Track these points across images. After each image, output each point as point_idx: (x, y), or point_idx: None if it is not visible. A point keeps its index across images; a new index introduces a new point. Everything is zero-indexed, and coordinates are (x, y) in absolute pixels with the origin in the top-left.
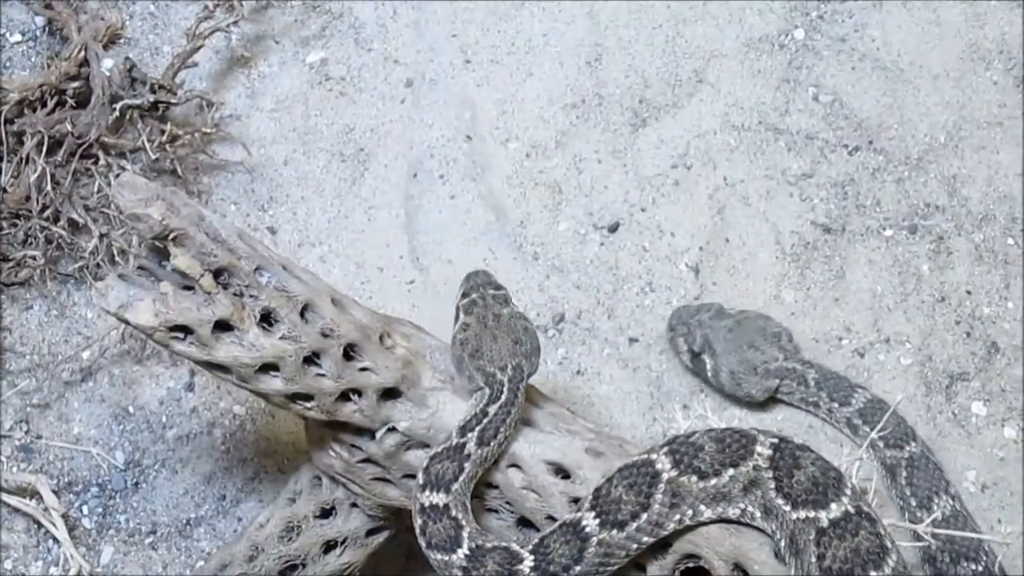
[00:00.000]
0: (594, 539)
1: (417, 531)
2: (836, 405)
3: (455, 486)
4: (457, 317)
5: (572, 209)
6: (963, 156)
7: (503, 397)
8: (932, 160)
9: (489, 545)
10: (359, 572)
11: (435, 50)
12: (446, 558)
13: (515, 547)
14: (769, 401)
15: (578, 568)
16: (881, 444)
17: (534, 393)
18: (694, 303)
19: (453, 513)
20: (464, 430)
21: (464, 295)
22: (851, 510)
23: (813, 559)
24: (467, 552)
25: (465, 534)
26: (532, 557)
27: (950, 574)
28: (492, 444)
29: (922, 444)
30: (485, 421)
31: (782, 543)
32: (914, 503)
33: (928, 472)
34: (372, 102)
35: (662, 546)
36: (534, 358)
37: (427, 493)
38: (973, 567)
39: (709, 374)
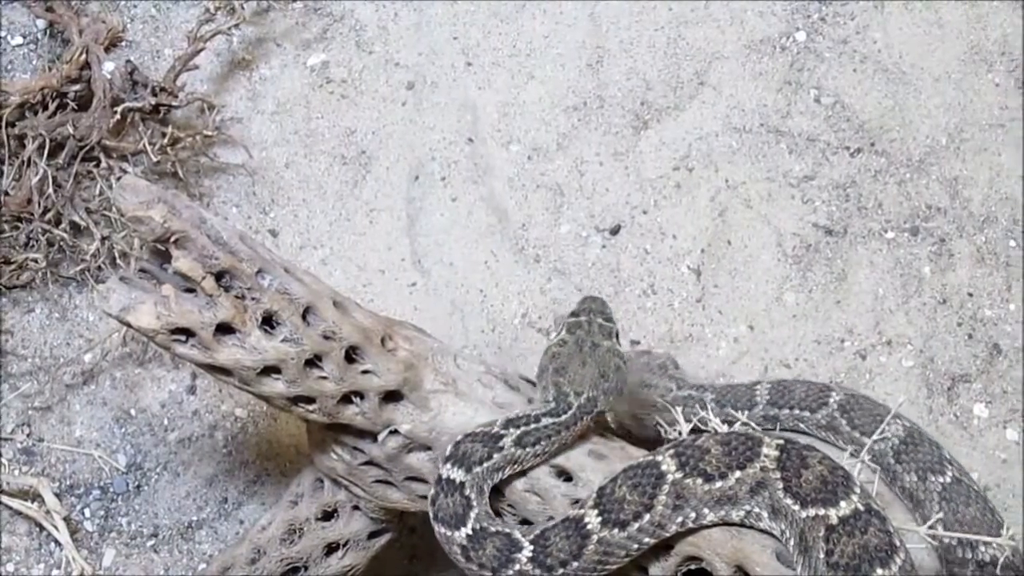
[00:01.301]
0: (594, 537)
1: (428, 500)
2: (746, 413)
3: (477, 469)
4: (559, 331)
5: (573, 211)
6: (965, 158)
7: (562, 417)
8: (934, 162)
9: (493, 529)
10: (361, 574)
11: (436, 52)
12: (449, 533)
13: (517, 534)
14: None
15: (575, 564)
16: (807, 413)
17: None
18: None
19: (467, 492)
20: (509, 424)
21: (574, 314)
22: (861, 508)
23: (821, 555)
24: (470, 532)
25: (472, 514)
26: (531, 548)
27: (919, 490)
28: (528, 450)
29: (842, 390)
30: (532, 427)
31: (791, 542)
32: (867, 439)
33: (862, 405)
34: (373, 105)
35: (664, 548)
36: (611, 398)
37: (448, 466)
38: (942, 479)
39: (614, 425)
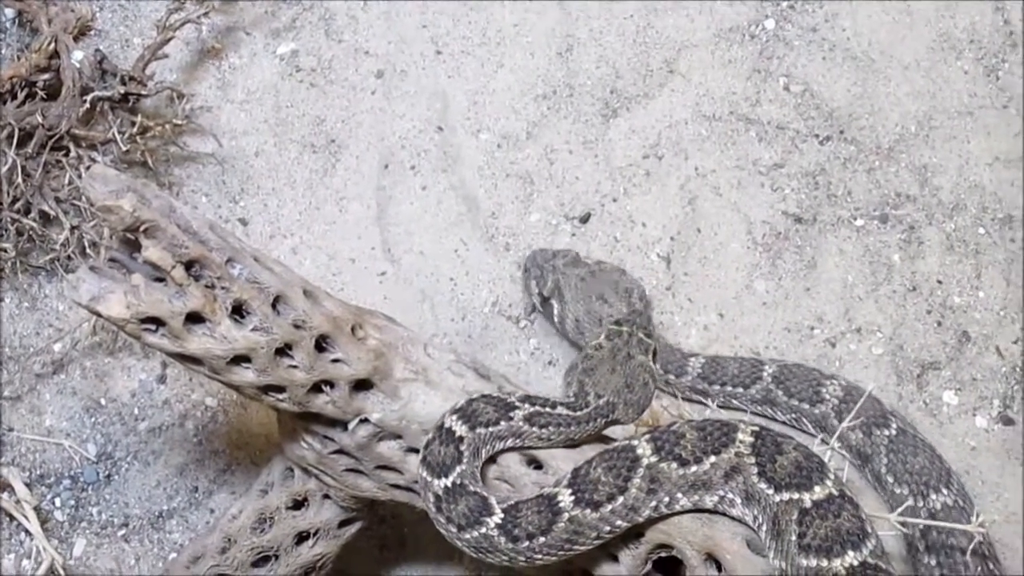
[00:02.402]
0: (565, 515)
1: (423, 443)
2: (673, 377)
3: (481, 430)
4: (601, 334)
5: (543, 200)
6: (934, 146)
7: (577, 413)
8: (903, 150)
9: (472, 489)
10: (332, 563)
11: (406, 41)
12: (429, 479)
13: (493, 501)
14: None
15: (542, 539)
16: (741, 389)
17: (507, 384)
18: (551, 247)
19: (462, 448)
20: (526, 400)
21: (618, 322)
22: (835, 493)
23: (793, 538)
24: (448, 484)
25: (458, 469)
26: (502, 516)
27: (865, 445)
28: (535, 430)
29: (774, 362)
30: (547, 410)
31: (763, 528)
32: (807, 406)
33: (796, 373)
34: (343, 93)
35: (635, 535)
36: (631, 411)
37: (453, 419)
38: (887, 432)
39: (556, 319)
